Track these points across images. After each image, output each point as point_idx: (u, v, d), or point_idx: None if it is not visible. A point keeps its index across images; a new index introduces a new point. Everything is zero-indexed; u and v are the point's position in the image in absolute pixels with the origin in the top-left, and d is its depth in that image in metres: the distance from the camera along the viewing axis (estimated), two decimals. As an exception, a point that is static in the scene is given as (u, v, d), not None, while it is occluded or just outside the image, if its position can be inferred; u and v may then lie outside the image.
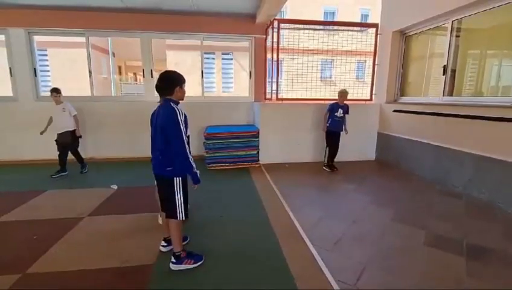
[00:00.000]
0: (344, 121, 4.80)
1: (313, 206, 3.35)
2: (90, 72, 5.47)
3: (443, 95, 4.19)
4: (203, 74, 6.05)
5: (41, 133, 4.53)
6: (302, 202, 3.45)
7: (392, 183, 4.23)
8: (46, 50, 11.06)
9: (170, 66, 12.98)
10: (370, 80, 5.64)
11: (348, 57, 5.88)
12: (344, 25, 5.85)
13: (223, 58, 14.15)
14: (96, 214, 3.08)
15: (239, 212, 3.20)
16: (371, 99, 5.69)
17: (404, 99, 5.13)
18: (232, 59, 14.41)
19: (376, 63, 5.52)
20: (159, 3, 4.85)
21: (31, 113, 5.27)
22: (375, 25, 5.46)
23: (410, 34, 4.93)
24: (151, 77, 5.68)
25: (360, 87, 6.21)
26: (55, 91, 4.41)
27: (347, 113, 4.81)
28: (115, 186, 3.95)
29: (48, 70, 9.75)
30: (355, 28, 5.90)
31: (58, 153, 4.54)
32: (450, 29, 4.03)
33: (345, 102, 4.78)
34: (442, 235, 2.66)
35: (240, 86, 13.31)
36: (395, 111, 5.01)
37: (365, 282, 2.01)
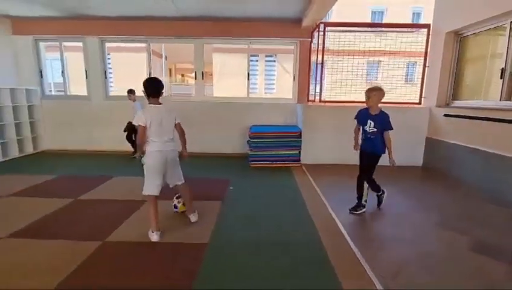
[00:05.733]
0: (378, 140, 3.03)
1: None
2: (150, 74, 6.13)
3: (500, 100, 3.93)
4: (249, 76, 6.35)
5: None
6: (343, 201, 3.53)
7: (438, 189, 4.08)
8: (109, 54, 12.46)
9: (216, 68, 13.67)
10: (419, 82, 5.45)
11: (397, 59, 5.73)
12: (393, 27, 5.73)
13: (266, 60, 14.50)
14: (159, 199, 3.51)
15: (280, 206, 3.41)
16: (419, 103, 5.49)
17: (457, 103, 4.87)
18: (275, 61, 14.69)
19: (427, 65, 5.32)
20: (211, 11, 5.26)
21: (100, 110, 6.08)
22: (426, 26, 5.27)
23: (465, 35, 4.68)
24: (202, 79, 6.15)
25: (409, 89, 5.99)
26: (130, 92, 5.21)
27: (384, 128, 3.01)
28: (169, 177, 4.41)
29: (111, 73, 10.97)
30: (405, 29, 5.73)
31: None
32: (508, 30, 3.79)
33: (379, 107, 3.08)
34: (488, 243, 2.57)
35: (282, 87, 13.50)
36: (446, 115, 4.79)
37: (404, 278, 2.07)
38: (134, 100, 5.28)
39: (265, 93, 14.31)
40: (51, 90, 6.63)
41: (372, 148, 3.08)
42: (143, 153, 2.53)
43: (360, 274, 2.12)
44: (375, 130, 3.01)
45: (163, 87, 2.56)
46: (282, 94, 12.32)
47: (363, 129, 3.15)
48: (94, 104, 6.13)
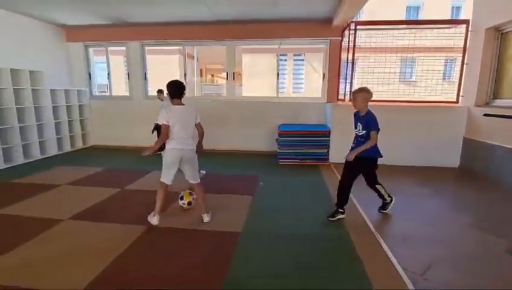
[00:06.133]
0: (362, 141, 2.82)
1: (383, 205, 3.43)
2: (185, 75, 6.52)
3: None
4: (279, 76, 6.48)
5: None
6: (372, 200, 3.54)
7: (475, 191, 3.94)
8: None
9: (245, 69, 13.96)
10: (457, 80, 5.24)
11: (433, 56, 5.54)
12: (428, 23, 5.55)
13: (294, 60, 14.51)
14: (193, 190, 3.81)
15: (309, 202, 3.52)
16: (457, 102, 5.28)
17: (498, 102, 4.63)
18: (303, 60, 14.65)
19: (465, 62, 5.10)
20: (244, 13, 5.47)
21: (140, 109, 6.57)
22: (465, 22, 5.05)
23: (507, 31, 4.44)
24: (233, 79, 6.41)
25: (447, 88, 5.76)
26: (159, 92, 5.54)
27: (367, 130, 2.79)
28: (203, 172, 4.70)
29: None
30: (442, 26, 5.53)
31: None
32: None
33: (368, 109, 2.88)
34: (530, 248, 2.49)
35: (310, 86, 13.45)
36: (485, 115, 4.58)
37: (433, 276, 2.11)
38: (162, 100, 5.64)
39: (293, 92, 14.32)
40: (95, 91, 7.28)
41: (364, 153, 2.81)
42: (162, 149, 2.73)
43: (388, 269, 2.19)
44: (364, 132, 2.81)
45: (185, 89, 2.72)
46: (310, 93, 12.29)
47: (355, 133, 2.97)
48: (135, 104, 6.64)
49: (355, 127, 2.93)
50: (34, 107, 5.35)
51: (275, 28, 5.93)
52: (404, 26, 6.05)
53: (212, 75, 24.38)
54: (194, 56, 15.28)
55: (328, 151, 5.33)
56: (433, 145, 5.08)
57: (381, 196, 3.11)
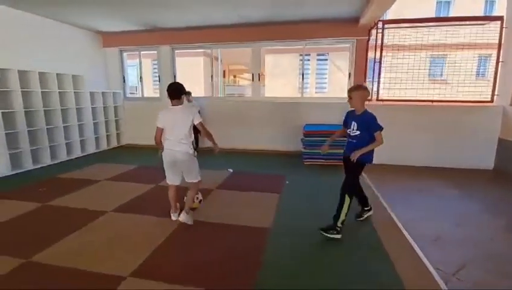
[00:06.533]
0: (361, 144, 2.58)
1: (412, 205, 3.42)
2: (212, 76, 6.75)
3: None
4: (303, 76, 6.53)
5: None
6: (401, 200, 3.55)
7: (509, 193, 3.79)
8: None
9: (268, 69, 14.07)
10: (492, 79, 5.03)
11: (465, 53, 5.34)
12: (459, 20, 5.36)
13: (318, 60, 14.40)
14: (222, 188, 3.99)
15: (335, 200, 3.55)
16: (491, 101, 5.07)
17: (538, 101, 4.41)
18: (327, 60, 14.51)
19: (500, 60, 4.89)
20: (270, 16, 5.58)
21: (169, 110, 6.88)
22: (499, 18, 4.84)
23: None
24: (259, 80, 6.55)
25: (481, 86, 5.53)
26: (187, 93, 5.84)
27: (369, 129, 2.58)
28: (230, 170, 4.88)
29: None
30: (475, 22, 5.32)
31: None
32: None
33: (364, 108, 2.68)
34: None
35: (334, 86, 13.29)
36: (524, 114, 4.38)
37: (465, 276, 2.10)
38: (190, 100, 5.91)
39: (315, 92, 14.21)
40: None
41: (348, 152, 2.60)
42: (162, 149, 2.80)
43: (419, 268, 2.21)
44: (358, 132, 2.60)
45: (180, 92, 2.72)
46: (333, 93, 12.15)
47: (347, 133, 2.76)
48: (164, 105, 6.93)
49: (348, 127, 2.70)
50: (76, 108, 5.79)
51: (301, 28, 5.99)
52: (434, 23, 5.88)
53: (235, 76, 24.73)
54: (218, 57, 15.65)
55: (353, 151, 5.30)
56: (465, 146, 4.93)
57: (338, 213, 2.66)
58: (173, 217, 2.95)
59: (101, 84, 6.90)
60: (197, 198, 3.18)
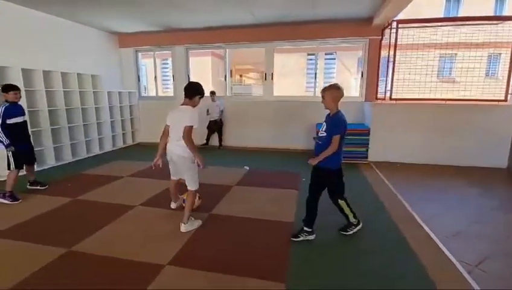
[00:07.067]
0: (324, 145, 2.44)
1: (430, 203, 3.50)
2: (225, 76, 6.88)
3: None
4: (316, 75, 6.62)
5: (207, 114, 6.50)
6: (418, 197, 3.63)
7: (528, 192, 3.85)
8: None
9: (277, 68, 14.14)
10: (505, 77, 5.07)
11: (475, 51, 5.37)
12: (471, 20, 5.39)
13: (326, 59, 14.42)
14: (241, 185, 4.11)
15: (353, 197, 3.62)
16: (505, 100, 5.11)
17: (554, 99, 4.44)
18: (334, 59, 14.52)
19: (515, 59, 4.92)
20: (284, 16, 5.67)
21: (184, 109, 7.01)
22: (511, 18, 4.88)
23: None
24: (271, 79, 6.65)
25: (490, 86, 5.57)
26: (212, 93, 6.25)
27: (329, 132, 2.43)
28: (247, 168, 4.99)
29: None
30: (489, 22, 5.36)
31: (207, 131, 6.68)
32: None
33: (338, 109, 2.52)
34: None
35: (341, 85, 13.29)
36: (538, 113, 4.42)
37: (487, 268, 2.19)
38: (214, 100, 6.07)
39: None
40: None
41: (322, 161, 2.44)
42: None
43: (443, 260, 2.30)
44: (325, 134, 2.46)
45: (193, 92, 2.68)
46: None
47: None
48: (178, 103, 7.07)
49: (321, 127, 2.57)
50: (95, 107, 5.95)
51: (314, 28, 6.07)
52: (447, 23, 5.91)
53: (241, 76, 24.83)
54: (227, 57, 15.75)
55: (367, 150, 5.39)
56: (479, 145, 4.98)
57: (344, 214, 2.68)
58: (172, 206, 3.18)
59: (116, 83, 7.05)
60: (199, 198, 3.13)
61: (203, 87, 2.81)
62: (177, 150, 2.66)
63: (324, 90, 2.52)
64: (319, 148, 2.48)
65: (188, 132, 2.54)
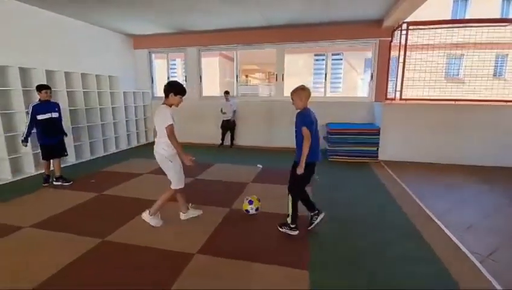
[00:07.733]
0: (299, 145, 2.70)
1: (441, 198, 3.62)
2: (236, 77, 7.05)
3: None
4: (326, 76, 6.75)
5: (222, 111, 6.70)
6: (429, 193, 3.75)
7: (537, 189, 3.95)
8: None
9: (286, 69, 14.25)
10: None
11: (483, 51, 5.47)
12: (480, 22, 5.47)
13: (333, 59, 14.50)
14: (256, 182, 4.26)
15: (365, 194, 3.80)
16: (513, 100, 5.20)
17: None
18: (341, 59, 14.61)
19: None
20: (295, 18, 5.80)
21: (195, 109, 7.19)
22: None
23: None
24: (282, 80, 6.79)
25: (499, 86, 5.66)
26: (226, 93, 6.48)
27: (300, 125, 2.66)
28: (260, 166, 5.15)
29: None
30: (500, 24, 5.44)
31: (221, 131, 6.85)
32: None
33: (307, 108, 2.81)
34: None
35: (348, 85, 13.39)
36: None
37: (498, 258, 2.31)
38: (228, 100, 6.25)
39: (330, 92, 14.29)
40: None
41: (295, 156, 2.62)
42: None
43: (455, 251, 2.43)
44: (296, 130, 2.70)
45: (167, 90, 2.63)
46: (347, 93, 12.25)
47: None
48: (191, 104, 7.27)
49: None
50: (111, 107, 6.16)
51: (325, 30, 6.20)
52: (456, 25, 6.01)
53: (246, 76, 24.96)
54: (233, 58, 15.92)
55: (377, 149, 5.51)
56: (488, 144, 5.07)
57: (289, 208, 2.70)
58: (181, 217, 2.99)
59: (131, 84, 7.26)
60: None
61: (184, 86, 2.74)
62: (158, 148, 2.71)
63: (292, 92, 2.76)
64: (298, 143, 2.66)
65: (169, 131, 2.56)
